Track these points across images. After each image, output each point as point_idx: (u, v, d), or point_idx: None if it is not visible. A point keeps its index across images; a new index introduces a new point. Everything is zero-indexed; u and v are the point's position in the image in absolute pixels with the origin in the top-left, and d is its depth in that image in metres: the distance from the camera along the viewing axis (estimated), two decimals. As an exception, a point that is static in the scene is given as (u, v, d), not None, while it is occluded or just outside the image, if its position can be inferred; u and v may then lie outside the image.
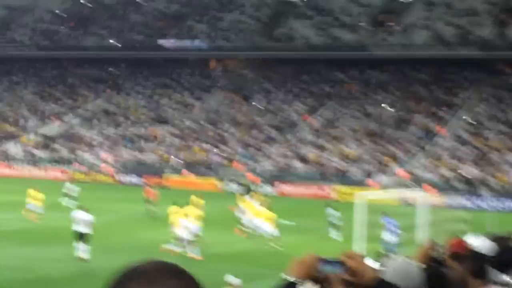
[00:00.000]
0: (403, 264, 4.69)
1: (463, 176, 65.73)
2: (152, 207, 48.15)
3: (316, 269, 4.00)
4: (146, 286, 2.19)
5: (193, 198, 41.72)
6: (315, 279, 4.02)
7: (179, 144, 79.69)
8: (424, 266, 6.24)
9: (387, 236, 34.97)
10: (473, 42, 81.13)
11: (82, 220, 32.98)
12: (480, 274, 7.23)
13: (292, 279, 3.95)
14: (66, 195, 54.27)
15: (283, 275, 3.97)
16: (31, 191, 46.22)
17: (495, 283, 6.96)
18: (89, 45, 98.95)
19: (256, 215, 38.03)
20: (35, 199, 45.84)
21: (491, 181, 64.26)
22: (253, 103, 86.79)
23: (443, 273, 5.71)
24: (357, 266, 4.00)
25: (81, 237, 32.46)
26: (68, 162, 78.76)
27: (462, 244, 8.90)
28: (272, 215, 37.80)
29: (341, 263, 4.00)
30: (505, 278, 7.13)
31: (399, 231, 35.10)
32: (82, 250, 32.20)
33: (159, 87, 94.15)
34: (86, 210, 33.58)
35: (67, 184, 56.39)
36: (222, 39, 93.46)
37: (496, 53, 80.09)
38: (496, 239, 11.78)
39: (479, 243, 10.33)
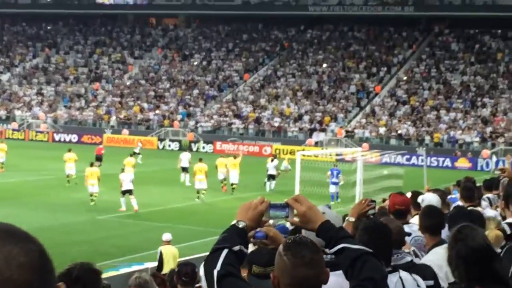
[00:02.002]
0: (325, 214, 4.85)
1: (399, 134, 66.86)
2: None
3: (265, 213, 4.02)
4: None
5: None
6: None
7: (118, 103, 79.28)
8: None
9: (332, 188, 37.67)
10: (410, 2, 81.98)
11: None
12: (434, 231, 7.59)
13: (240, 225, 3.95)
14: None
15: (234, 222, 3.98)
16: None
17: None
18: (25, 2, 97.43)
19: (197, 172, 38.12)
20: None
21: (426, 139, 65.50)
22: (193, 61, 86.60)
23: (383, 225, 5.98)
24: (305, 210, 3.99)
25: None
26: (5, 120, 77.87)
27: (403, 200, 9.27)
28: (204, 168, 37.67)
29: (289, 207, 4.02)
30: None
31: (337, 181, 37.67)
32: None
33: (97, 45, 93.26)
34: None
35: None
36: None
37: (432, 13, 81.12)
38: (437, 192, 12.28)
39: (426, 197, 10.77)
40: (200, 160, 38.80)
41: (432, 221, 7.61)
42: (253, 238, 4.09)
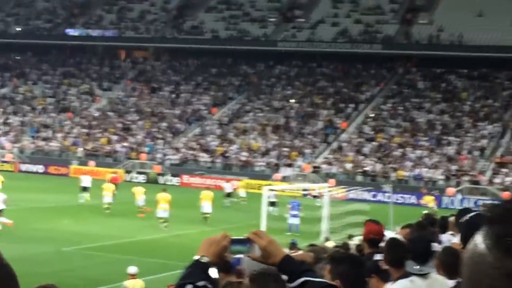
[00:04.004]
0: None
1: (365, 171, 67.25)
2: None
3: (227, 248, 3.98)
4: None
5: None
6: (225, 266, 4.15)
7: (85, 135, 79.00)
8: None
9: (291, 220, 38.46)
10: (378, 40, 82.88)
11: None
12: (398, 264, 7.71)
13: (204, 260, 3.92)
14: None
15: (195, 257, 3.95)
16: None
17: (411, 273, 7.43)
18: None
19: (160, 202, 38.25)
20: None
21: (391, 176, 65.94)
22: (161, 94, 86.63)
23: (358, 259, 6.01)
24: (265, 245, 3.95)
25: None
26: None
27: (378, 229, 9.33)
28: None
29: (250, 242, 3.97)
30: (419, 268, 7.60)
31: (300, 212, 38.60)
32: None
33: (66, 76, 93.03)
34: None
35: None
36: (131, 30, 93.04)
37: (400, 52, 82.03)
38: (403, 229, 12.46)
39: (391, 233, 10.89)
40: (164, 190, 39.30)
41: (396, 254, 7.73)
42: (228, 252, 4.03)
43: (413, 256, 7.54)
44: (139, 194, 42.94)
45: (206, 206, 41.29)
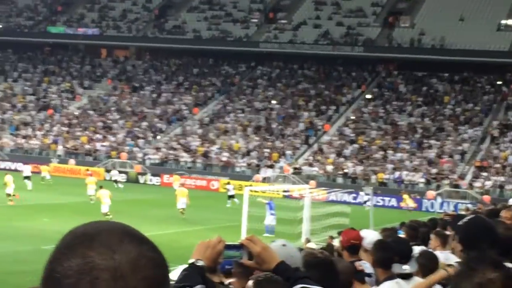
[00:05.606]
0: (286, 246, 4.78)
1: (346, 173, 67.35)
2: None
3: (222, 253, 3.99)
4: (110, 256, 1.77)
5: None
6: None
7: (65, 133, 78.65)
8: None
9: (268, 220, 38.42)
10: (360, 42, 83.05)
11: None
12: (386, 265, 7.70)
13: (199, 264, 3.92)
14: None
15: (189, 260, 3.95)
16: None
17: (396, 275, 7.46)
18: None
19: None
20: None
21: (372, 178, 66.06)
22: (142, 93, 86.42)
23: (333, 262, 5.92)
24: (260, 251, 3.95)
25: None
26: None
27: (357, 235, 9.32)
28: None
29: (243, 247, 3.99)
30: (404, 267, 7.63)
31: (275, 212, 38.54)
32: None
33: (46, 74, 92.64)
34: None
35: None
36: (112, 28, 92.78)
37: (381, 54, 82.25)
38: (384, 231, 12.44)
39: (368, 234, 10.88)
40: (182, 185, 47.16)
41: (384, 254, 7.73)
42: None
43: (399, 257, 7.61)
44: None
45: (181, 202, 43.91)
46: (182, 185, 53.49)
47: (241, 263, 4.11)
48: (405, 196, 57.92)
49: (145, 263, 1.80)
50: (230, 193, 54.00)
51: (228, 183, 58.15)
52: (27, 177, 54.27)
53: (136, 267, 1.78)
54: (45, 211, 37.89)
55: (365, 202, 54.99)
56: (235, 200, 51.84)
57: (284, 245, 4.34)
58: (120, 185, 60.74)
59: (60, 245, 1.87)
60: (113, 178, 63.01)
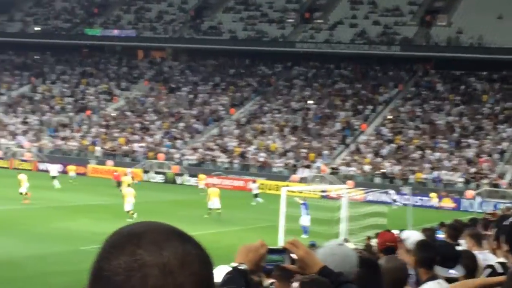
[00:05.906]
0: (342, 246, 4.76)
1: (384, 172, 66.99)
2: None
3: (265, 257, 3.96)
4: (158, 253, 1.82)
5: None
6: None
7: (103, 134, 79.16)
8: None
9: (304, 221, 38.04)
10: (397, 41, 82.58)
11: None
12: (428, 265, 7.63)
13: (243, 267, 3.91)
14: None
15: (232, 264, 3.95)
16: None
17: (439, 276, 7.37)
18: (14, 31, 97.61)
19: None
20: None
21: (410, 178, 65.64)
22: (179, 94, 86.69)
23: (377, 263, 5.89)
24: (303, 255, 3.98)
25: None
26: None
27: (393, 237, 9.26)
28: None
29: (286, 251, 3.99)
30: (450, 271, 7.52)
31: (309, 213, 38.14)
32: None
33: (84, 76, 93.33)
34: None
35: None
36: (149, 30, 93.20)
37: (418, 53, 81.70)
38: (425, 231, 12.33)
39: (411, 234, 10.80)
40: (214, 185, 46.60)
41: (427, 254, 7.65)
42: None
43: (440, 257, 7.51)
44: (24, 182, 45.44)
45: (216, 202, 43.92)
46: (214, 185, 53.35)
47: (282, 266, 4.08)
48: (432, 195, 58.75)
49: (192, 259, 1.86)
50: (254, 192, 54.73)
51: (254, 182, 58.85)
52: (54, 177, 55.77)
53: (184, 263, 1.84)
54: (83, 212, 38.08)
55: (394, 201, 55.21)
56: (258, 199, 52.34)
57: (340, 244, 4.31)
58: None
59: (107, 245, 1.90)
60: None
